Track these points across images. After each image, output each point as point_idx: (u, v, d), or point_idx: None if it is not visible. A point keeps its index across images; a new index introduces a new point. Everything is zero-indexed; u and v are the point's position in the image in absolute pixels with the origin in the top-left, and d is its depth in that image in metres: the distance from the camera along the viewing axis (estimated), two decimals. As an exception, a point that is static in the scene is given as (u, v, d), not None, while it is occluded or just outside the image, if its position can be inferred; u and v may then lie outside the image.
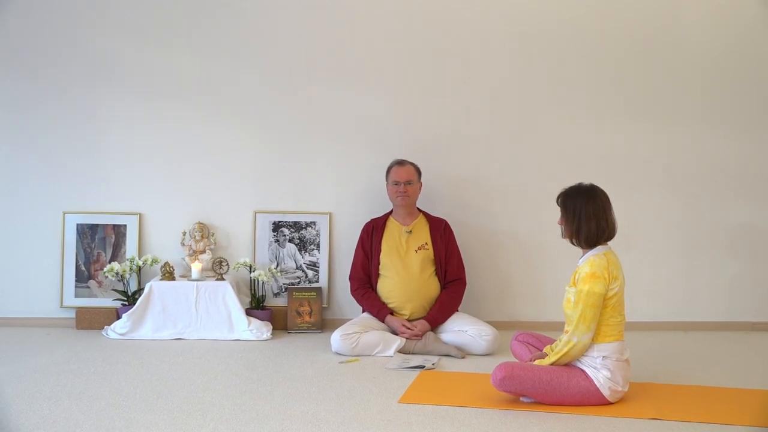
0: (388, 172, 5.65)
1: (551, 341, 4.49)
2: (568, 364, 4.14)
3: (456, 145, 6.11)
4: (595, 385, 4.05)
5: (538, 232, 6.11)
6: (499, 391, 4.13)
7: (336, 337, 5.17)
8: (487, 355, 5.23)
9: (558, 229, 4.29)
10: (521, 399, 4.14)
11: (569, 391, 4.05)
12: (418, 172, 5.67)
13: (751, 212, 6.24)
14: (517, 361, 4.42)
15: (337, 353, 5.17)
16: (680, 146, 6.20)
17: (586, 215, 4.11)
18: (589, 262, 4.10)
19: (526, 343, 4.57)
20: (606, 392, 4.05)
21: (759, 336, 6.02)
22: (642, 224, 6.17)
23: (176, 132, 6.03)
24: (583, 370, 4.10)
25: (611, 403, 4.09)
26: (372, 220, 5.72)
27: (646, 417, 3.94)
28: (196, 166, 6.05)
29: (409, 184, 5.57)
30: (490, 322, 5.49)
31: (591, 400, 4.07)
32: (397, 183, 5.57)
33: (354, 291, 5.62)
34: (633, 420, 3.91)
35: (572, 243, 4.22)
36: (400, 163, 5.63)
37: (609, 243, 4.21)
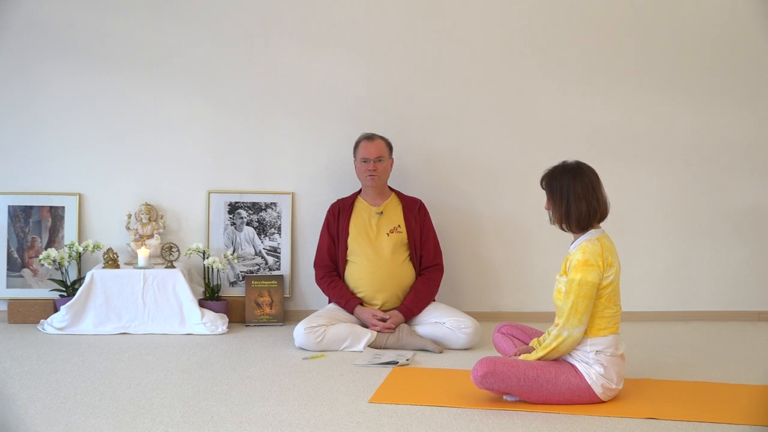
0: (355, 147, 5.64)
1: (538, 334, 4.52)
2: (557, 359, 4.16)
3: (433, 118, 6.12)
4: (586, 382, 4.07)
5: (524, 214, 6.14)
6: (480, 389, 4.14)
7: (299, 331, 5.17)
8: (466, 349, 5.26)
9: (546, 214, 4.30)
10: (504, 398, 4.16)
11: (557, 389, 4.07)
12: (389, 147, 5.66)
13: (758, 192, 6.29)
14: (500, 355, 4.44)
15: (301, 348, 5.18)
16: (681, 119, 6.23)
17: (575, 196, 4.11)
18: (581, 248, 4.11)
19: (510, 335, 4.58)
20: (598, 390, 4.07)
21: (766, 327, 6.08)
22: (638, 205, 6.20)
23: (120, 103, 5.99)
24: (573, 365, 4.12)
25: (603, 402, 4.11)
26: (339, 200, 5.72)
27: (641, 416, 3.96)
28: (142, 141, 6.02)
29: (380, 161, 5.56)
30: (470, 313, 5.51)
31: (581, 398, 4.09)
32: (365, 160, 5.56)
33: (319, 279, 5.63)
34: (627, 420, 3.94)
35: (562, 229, 4.22)
36: (369, 137, 5.61)
37: (602, 225, 4.23)
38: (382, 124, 5.89)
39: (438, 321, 5.35)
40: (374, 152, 5.56)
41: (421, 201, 5.73)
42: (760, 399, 4.30)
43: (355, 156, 5.65)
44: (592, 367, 4.08)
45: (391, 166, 5.68)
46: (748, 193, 6.28)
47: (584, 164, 4.22)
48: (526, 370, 4.07)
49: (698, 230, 6.28)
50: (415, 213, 5.63)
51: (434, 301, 5.60)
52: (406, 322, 5.40)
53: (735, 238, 6.29)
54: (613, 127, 6.18)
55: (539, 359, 4.13)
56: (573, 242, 4.21)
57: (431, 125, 6.11)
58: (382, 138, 5.63)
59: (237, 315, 5.93)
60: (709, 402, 4.20)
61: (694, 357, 5.16)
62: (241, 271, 6.06)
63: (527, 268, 6.18)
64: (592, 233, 4.15)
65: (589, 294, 4.04)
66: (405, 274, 5.53)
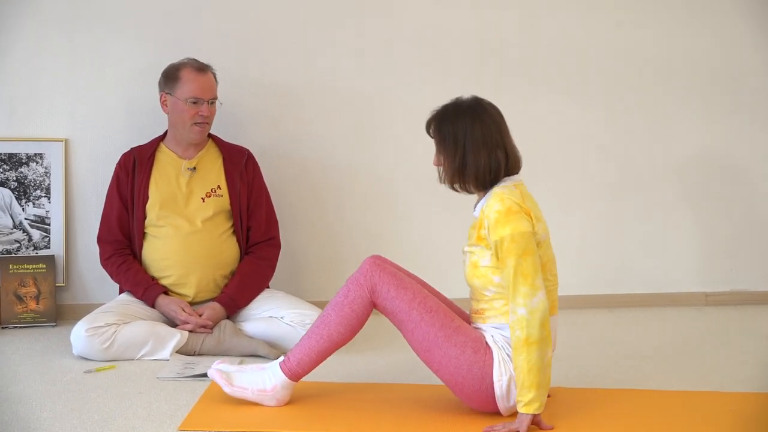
0: (174, 78, 5.50)
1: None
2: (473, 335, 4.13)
3: (267, 35, 6.17)
4: (491, 381, 4.07)
5: (393, 167, 6.27)
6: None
7: (80, 333, 5.13)
8: (314, 352, 5.31)
9: (429, 170, 4.30)
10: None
11: (453, 369, 4.11)
12: (216, 82, 5.62)
13: (714, 136, 6.54)
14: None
15: (83, 357, 5.15)
16: (599, 31, 6.42)
17: (474, 143, 4.10)
18: (496, 196, 4.08)
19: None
20: (504, 404, 4.10)
21: (713, 312, 6.35)
22: (545, 151, 6.33)
23: None
24: (489, 351, 4.11)
25: (502, 416, 4.14)
26: (133, 149, 5.66)
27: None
28: None
29: (212, 104, 5.51)
30: (317, 304, 5.52)
31: (474, 400, 4.15)
32: (197, 101, 5.45)
33: (106, 260, 5.58)
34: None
35: (454, 189, 4.22)
36: (201, 69, 5.49)
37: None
38: (193, 42, 5.90)
39: (274, 315, 5.39)
40: (209, 91, 5.48)
41: (249, 151, 5.74)
42: (705, 409, 4.43)
43: (171, 91, 5.50)
44: (510, 365, 4.09)
45: (214, 106, 5.68)
46: (695, 137, 6.52)
47: (485, 101, 4.22)
48: (429, 319, 4.11)
49: (628, 187, 6.50)
50: (240, 168, 5.64)
51: (268, 288, 5.65)
52: (229, 317, 5.43)
53: (676, 198, 6.53)
54: (511, 38, 6.32)
55: (522, 386, 3.98)
56: (478, 201, 4.22)
57: (265, 44, 6.17)
58: (211, 69, 5.57)
59: (-11, 313, 5.86)
60: (635, 416, 4.31)
61: (621, 356, 5.29)
62: (-7, 252, 6.00)
63: (396, 240, 6.24)
64: (506, 180, 4.16)
65: (531, 248, 4.00)
66: (227, 252, 5.55)
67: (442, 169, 4.21)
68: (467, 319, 4.36)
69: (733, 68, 6.50)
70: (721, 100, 6.50)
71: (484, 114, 4.15)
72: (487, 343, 4.13)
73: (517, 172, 4.22)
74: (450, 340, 4.10)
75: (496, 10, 6.27)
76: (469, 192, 4.20)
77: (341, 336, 4.26)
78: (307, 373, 4.32)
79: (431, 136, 4.23)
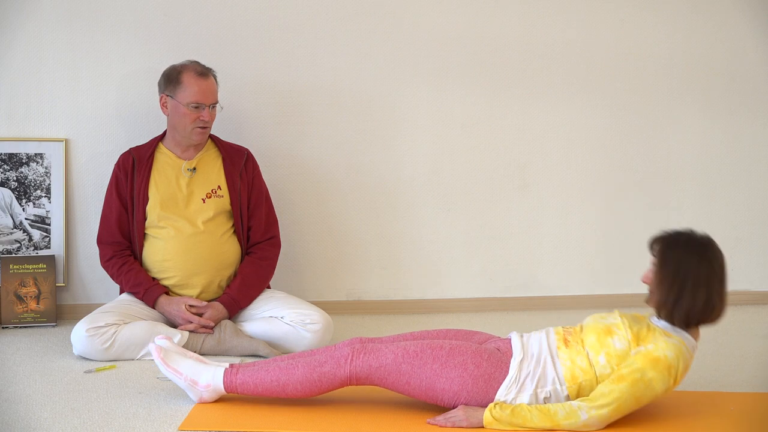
0: (175, 82, 5.46)
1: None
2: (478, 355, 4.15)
3: (270, 33, 6.16)
4: (492, 399, 4.10)
5: (393, 166, 6.23)
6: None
7: (80, 333, 5.13)
8: (314, 353, 5.31)
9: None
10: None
11: (458, 388, 4.10)
12: (217, 85, 5.60)
13: (714, 136, 6.54)
14: None
15: (83, 357, 5.15)
16: (608, 29, 6.42)
17: (695, 281, 4.07)
18: (675, 347, 4.06)
19: None
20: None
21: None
22: (544, 149, 6.33)
23: None
24: (500, 369, 4.14)
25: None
26: (131, 149, 5.63)
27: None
28: None
29: (213, 107, 5.49)
30: (318, 304, 5.55)
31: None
32: (199, 106, 5.42)
33: (106, 261, 5.57)
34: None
35: (658, 315, 4.19)
36: (202, 73, 5.46)
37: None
38: (194, 42, 5.90)
39: (274, 315, 5.39)
40: (211, 95, 5.45)
41: (248, 151, 5.71)
42: (702, 410, 4.46)
43: (172, 93, 5.46)
44: (524, 394, 4.10)
45: (212, 106, 5.65)
46: (696, 137, 6.51)
47: (715, 243, 4.20)
48: (417, 364, 4.12)
49: (628, 186, 6.50)
50: (240, 168, 5.61)
51: (269, 288, 5.65)
52: (230, 317, 5.43)
53: (677, 197, 6.52)
54: (511, 42, 6.29)
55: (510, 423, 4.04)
56: (659, 319, 4.20)
57: (266, 45, 6.16)
58: (213, 72, 5.54)
59: (-11, 313, 5.85)
60: (635, 416, 4.26)
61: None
62: (-6, 252, 6.00)
63: (397, 240, 6.22)
64: (693, 342, 4.15)
65: (645, 400, 4.05)
66: (229, 252, 5.53)
67: (650, 289, 4.20)
68: (461, 336, 4.41)
69: (734, 68, 6.49)
70: (721, 100, 6.49)
71: (714, 257, 4.14)
72: (490, 354, 4.16)
73: (717, 321, 4.16)
74: (447, 365, 4.11)
75: (497, 9, 6.24)
76: (671, 324, 4.15)
77: (295, 392, 4.26)
78: (239, 394, 4.36)
79: (653, 255, 4.22)
